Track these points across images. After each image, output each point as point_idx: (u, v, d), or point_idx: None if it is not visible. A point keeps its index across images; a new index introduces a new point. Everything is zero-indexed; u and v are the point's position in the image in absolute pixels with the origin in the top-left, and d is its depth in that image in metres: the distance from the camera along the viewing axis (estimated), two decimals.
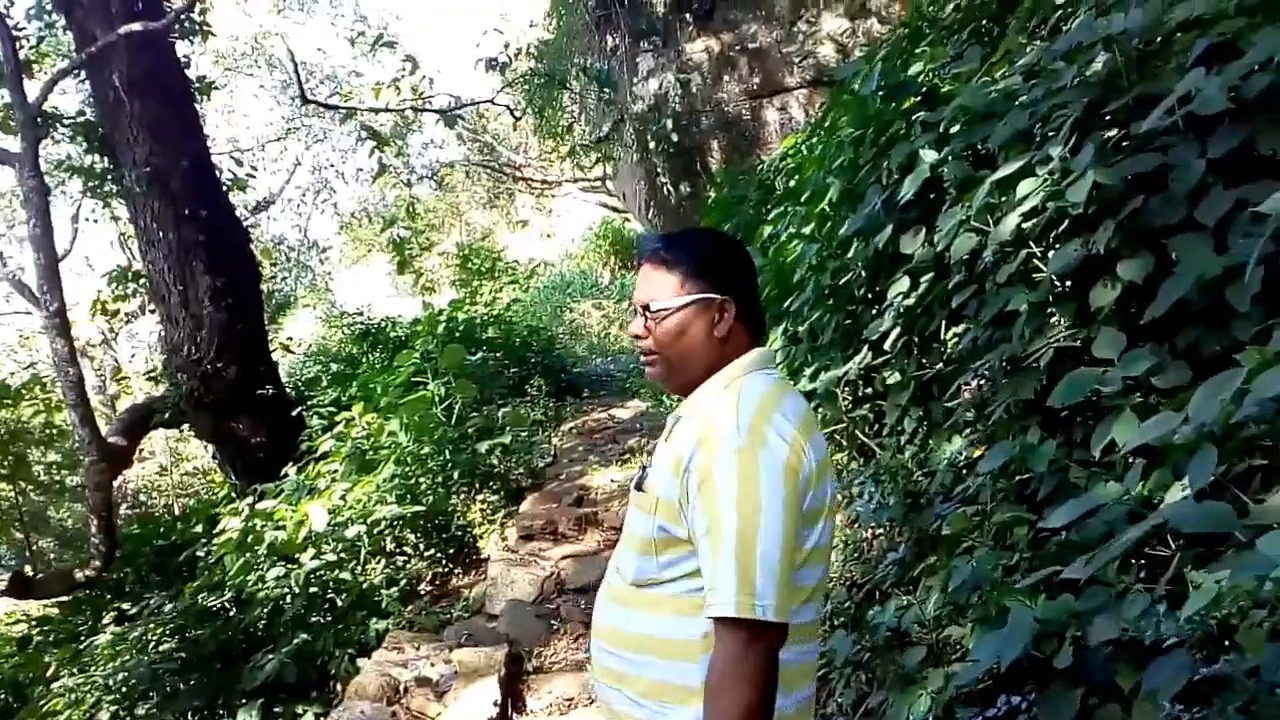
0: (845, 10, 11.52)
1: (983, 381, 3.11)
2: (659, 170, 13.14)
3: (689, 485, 1.61)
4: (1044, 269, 2.70)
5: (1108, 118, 2.79)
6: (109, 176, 9.21)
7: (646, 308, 1.76)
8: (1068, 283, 2.71)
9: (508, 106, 11.03)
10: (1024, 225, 2.75)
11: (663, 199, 13.42)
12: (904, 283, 3.58)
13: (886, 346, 3.77)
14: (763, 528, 1.50)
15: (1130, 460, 2.37)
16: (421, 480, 6.90)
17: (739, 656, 1.49)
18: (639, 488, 1.78)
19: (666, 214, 13.97)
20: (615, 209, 21.87)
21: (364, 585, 5.94)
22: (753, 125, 12.21)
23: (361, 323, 12.02)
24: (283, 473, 7.33)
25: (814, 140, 6.83)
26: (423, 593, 6.15)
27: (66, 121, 9.24)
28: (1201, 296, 2.31)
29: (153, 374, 11.54)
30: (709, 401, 1.71)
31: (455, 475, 7.19)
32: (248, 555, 6.18)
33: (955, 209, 3.09)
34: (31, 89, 7.18)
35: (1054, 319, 2.72)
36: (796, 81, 11.84)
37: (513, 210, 27.12)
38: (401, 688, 4.40)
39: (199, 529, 8.20)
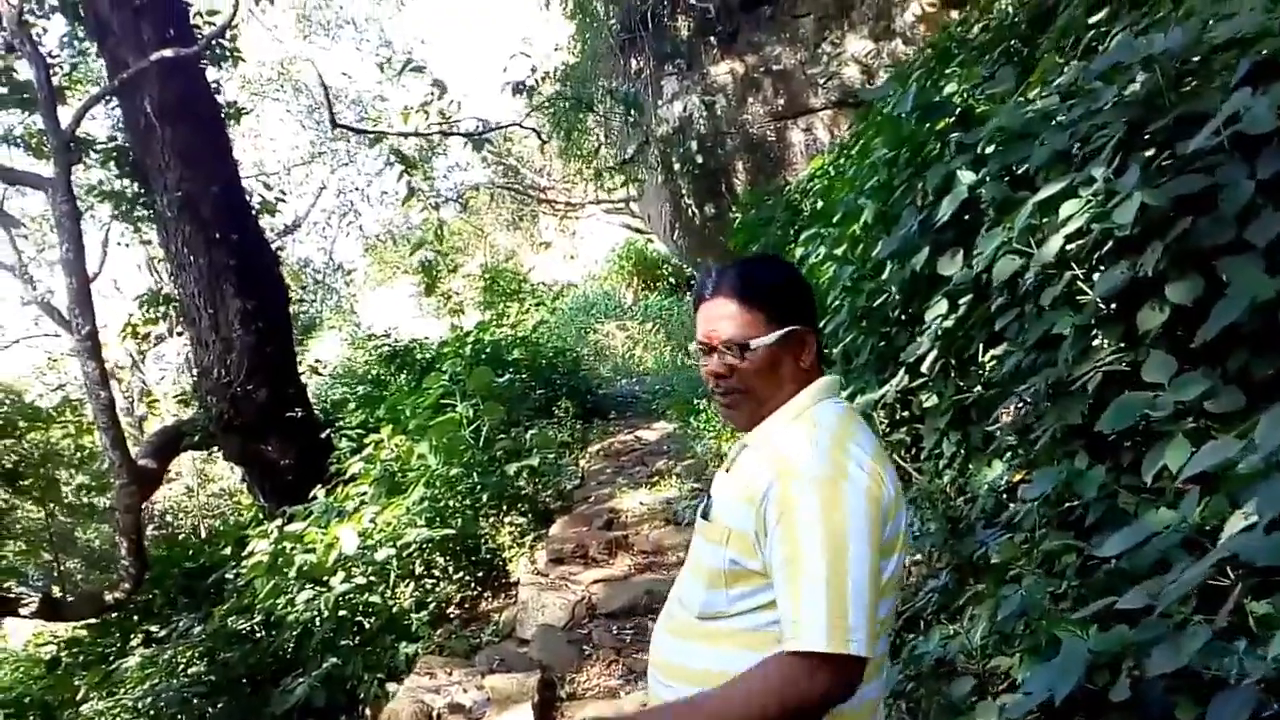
0: (870, 32, 11.50)
1: (1025, 406, 3.07)
2: (684, 192, 13.16)
3: (766, 516, 1.57)
4: (1088, 291, 2.66)
5: (1149, 138, 2.75)
6: (140, 201, 9.31)
7: (731, 345, 1.69)
8: (1113, 305, 2.67)
9: (535, 130, 11.06)
10: (1068, 247, 2.71)
11: (687, 220, 13.43)
12: (942, 305, 3.54)
13: (924, 369, 3.73)
14: (852, 558, 1.47)
15: (1181, 487, 2.32)
16: (451, 503, 6.89)
17: (820, 691, 1.46)
18: (705, 517, 1.74)
19: (691, 235, 13.97)
20: (638, 230, 21.92)
21: (393, 609, 5.93)
22: (777, 147, 12.20)
23: (388, 344, 12.06)
24: (311, 495, 7.33)
25: (841, 161, 6.82)
26: (452, 616, 6.13)
27: (98, 147, 9.36)
28: (1252, 319, 2.27)
29: (183, 397, 11.62)
30: (780, 431, 1.68)
31: (484, 498, 7.18)
32: (277, 578, 6.18)
33: (996, 231, 3.05)
34: (64, 115, 7.27)
35: (1099, 342, 2.67)
36: (821, 103, 11.84)
37: (536, 232, 27.24)
38: (435, 715, 4.37)
39: (227, 551, 8.23)
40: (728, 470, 1.79)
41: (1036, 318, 2.86)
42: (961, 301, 3.48)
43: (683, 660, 1.72)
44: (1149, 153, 2.71)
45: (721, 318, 1.71)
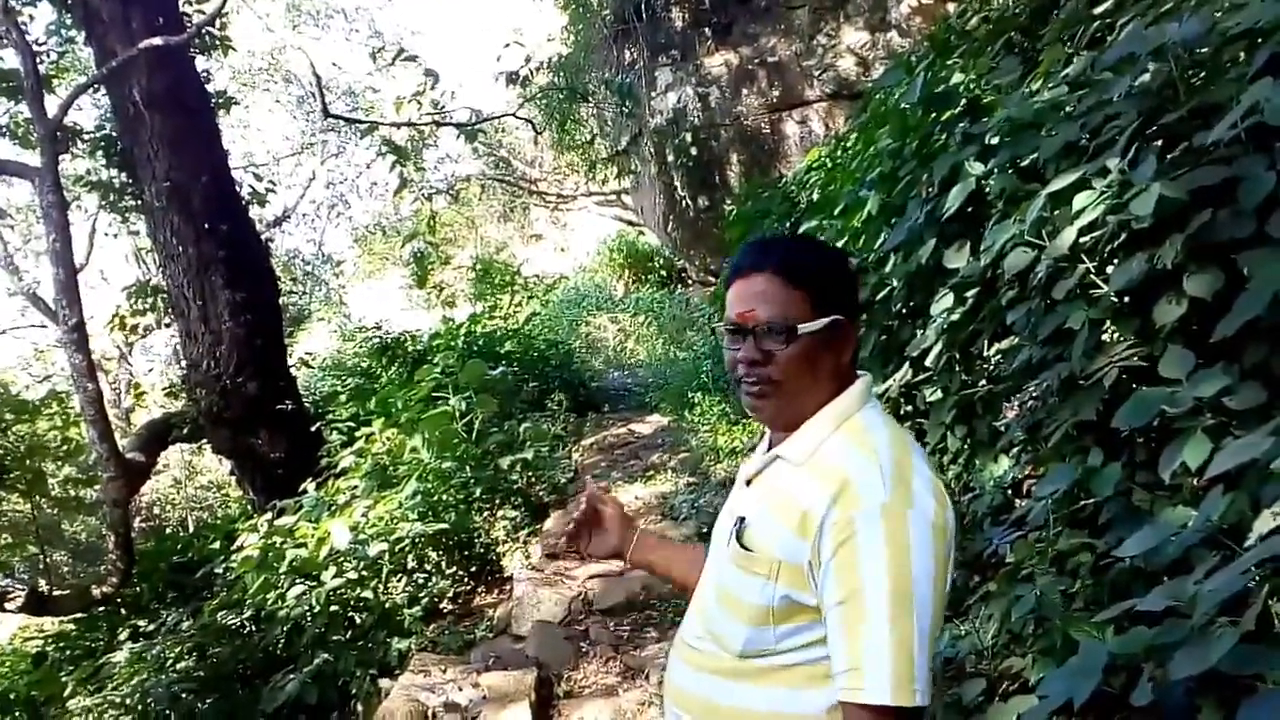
0: (865, 23, 11.46)
1: (1034, 401, 3.02)
2: (677, 184, 13.11)
3: (821, 546, 1.40)
4: (1102, 285, 2.61)
5: (1163, 129, 2.71)
6: (128, 191, 9.21)
7: (772, 328, 1.49)
8: (1128, 299, 2.63)
9: (529, 120, 10.98)
10: (1081, 239, 2.66)
11: (681, 212, 13.38)
12: (948, 298, 3.50)
13: (928, 363, 3.68)
14: (919, 601, 1.33)
15: (1197, 484, 2.28)
16: (443, 497, 6.84)
17: None
18: (740, 542, 1.54)
19: (684, 227, 13.93)
20: (630, 222, 21.84)
21: (386, 604, 5.87)
22: (772, 139, 12.16)
23: (379, 337, 11.98)
24: (302, 489, 7.27)
25: (839, 153, 6.77)
26: (445, 612, 6.08)
27: (86, 136, 9.26)
28: (1273, 313, 2.23)
29: (171, 389, 11.52)
30: (830, 444, 1.50)
31: (477, 492, 7.13)
32: (267, 573, 6.12)
33: (1005, 223, 3.00)
34: (51, 104, 7.18)
35: (1114, 337, 2.63)
36: (816, 95, 11.80)
37: (527, 224, 27.13)
38: (430, 713, 4.31)
39: (216, 545, 8.15)
40: (749, 483, 1.63)
41: (1048, 312, 2.82)
42: (968, 295, 3.44)
43: (721, 699, 1.56)
44: (1163, 144, 2.67)
45: (761, 297, 1.51)
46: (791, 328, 1.48)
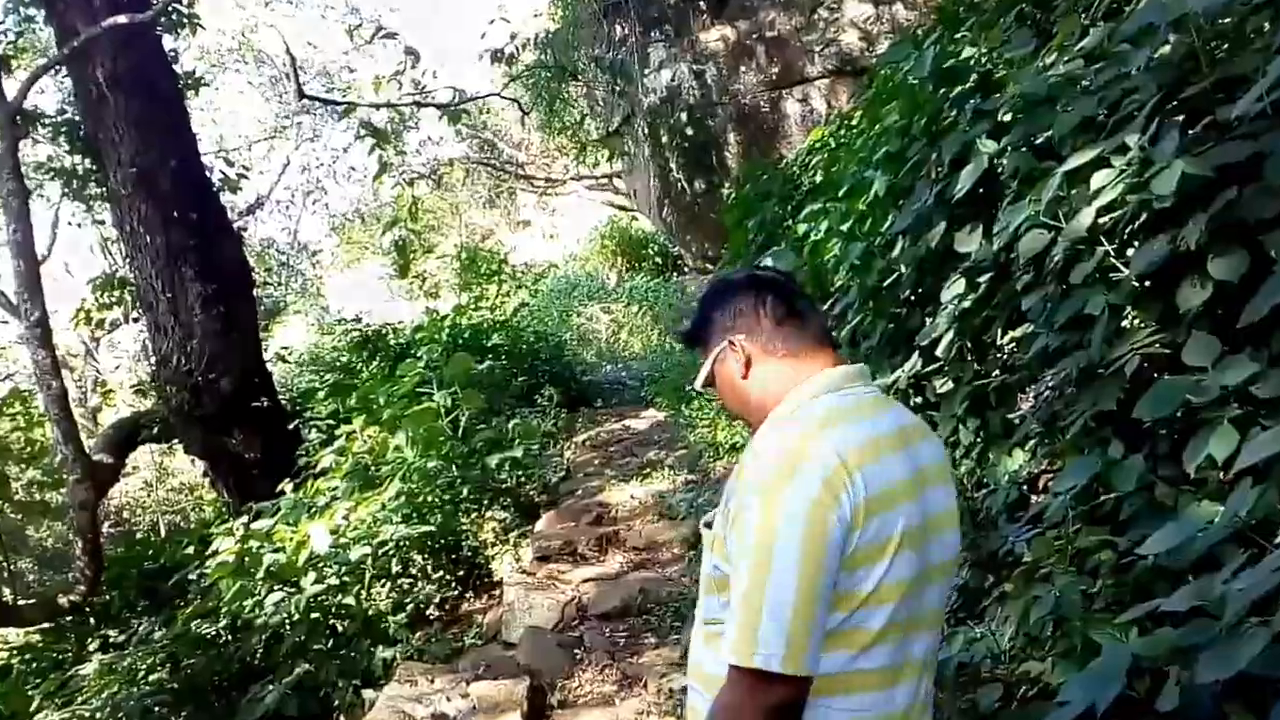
0: None
1: (1051, 391, 3.02)
2: (672, 166, 13.10)
3: (727, 521, 1.64)
4: (1122, 268, 2.60)
5: (1184, 104, 2.70)
6: (92, 178, 9.17)
7: (706, 384, 1.91)
8: (1149, 283, 2.62)
9: (516, 100, 10.96)
10: (1100, 220, 2.65)
11: (676, 196, 13.37)
12: (960, 284, 3.49)
13: (939, 352, 3.68)
14: (774, 571, 1.50)
15: (1224, 478, 2.28)
16: (429, 498, 6.83)
17: (735, 705, 1.53)
18: (708, 524, 1.80)
19: (679, 211, 13.92)
20: (622, 207, 21.84)
21: (369, 611, 5.86)
22: (772, 117, 12.15)
23: (359, 330, 11.96)
24: (279, 490, 7.25)
25: (843, 132, 6.76)
26: (432, 619, 6.07)
27: (47, 121, 9.21)
28: None
29: (140, 386, 11.49)
30: (761, 432, 1.75)
31: (464, 492, 7.13)
32: (243, 579, 6.09)
33: (1020, 204, 3.00)
34: (10, 87, 7.14)
35: (1135, 323, 2.63)
36: (818, 71, 11.78)
37: (514, 210, 27.11)
38: None
39: (190, 550, 8.12)
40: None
41: (1065, 297, 2.81)
42: (981, 280, 3.43)
43: (700, 663, 1.79)
44: (1185, 119, 2.66)
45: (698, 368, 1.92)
46: (709, 380, 1.89)
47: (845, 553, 1.53)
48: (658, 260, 19.86)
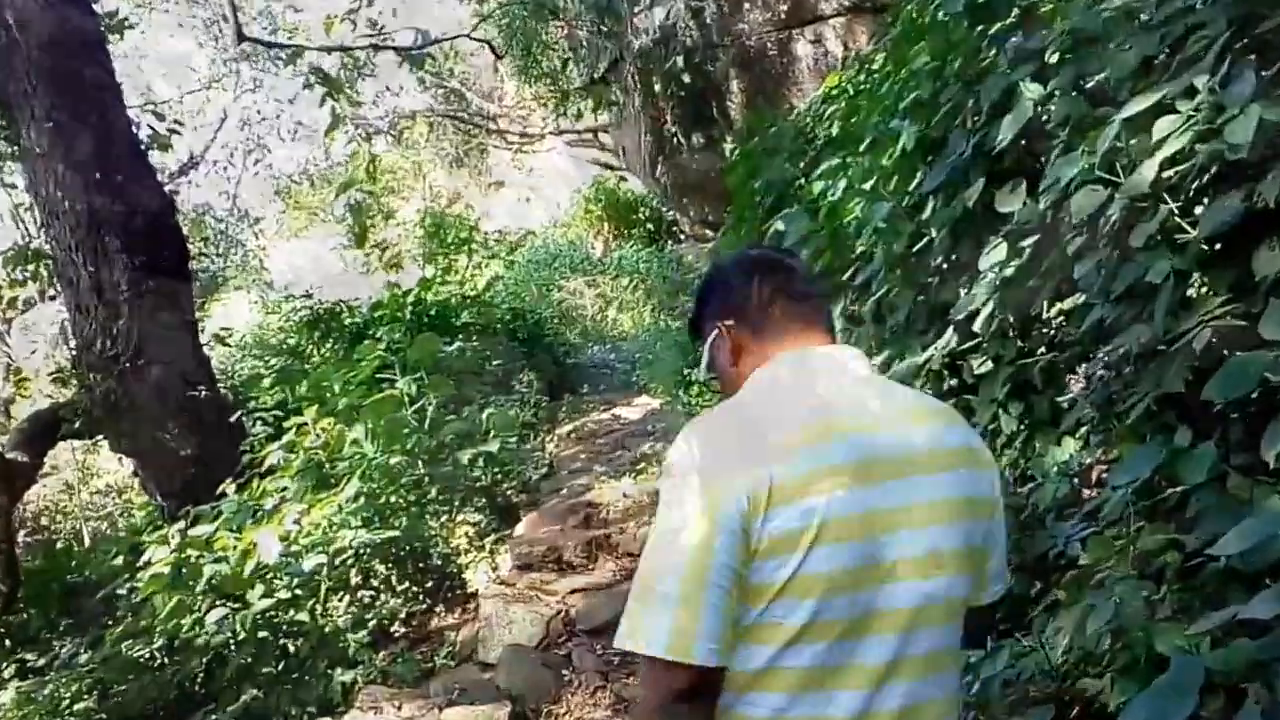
0: None
1: (1106, 371, 3.02)
2: (666, 118, 13.08)
3: None
4: (1190, 230, 2.59)
5: (1259, 41, 2.69)
6: (2, 136, 9.11)
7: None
8: (1218, 246, 2.62)
9: (487, 42, 10.91)
10: (1164, 175, 2.64)
11: (671, 152, 13.37)
12: (1001, 249, 3.48)
13: (976, 327, 3.67)
14: (657, 558, 1.66)
15: None
16: (392, 499, 6.85)
17: (642, 689, 1.75)
18: None
19: (675, 170, 13.92)
20: (609, 166, 21.78)
21: (325, 629, 5.88)
22: (780, 62, 12.12)
23: (309, 308, 11.94)
24: (220, 491, 7.25)
25: (863, 78, 6.74)
26: (398, 636, 6.10)
27: None
28: None
29: (59, 374, 11.44)
30: None
31: (433, 492, 7.14)
32: (181, 594, 6.10)
33: (1070, 157, 2.98)
34: None
35: (1204, 291, 2.62)
36: (833, 8, 11.74)
37: (485, 170, 27.04)
38: None
39: (119, 561, 8.11)
40: None
41: (1124, 263, 2.80)
42: (1025, 244, 3.42)
43: None
44: (1260, 58, 2.65)
45: None
46: (710, 366, 2.06)
47: (752, 543, 1.62)
48: (650, 227, 19.86)
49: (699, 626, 1.60)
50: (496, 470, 7.81)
